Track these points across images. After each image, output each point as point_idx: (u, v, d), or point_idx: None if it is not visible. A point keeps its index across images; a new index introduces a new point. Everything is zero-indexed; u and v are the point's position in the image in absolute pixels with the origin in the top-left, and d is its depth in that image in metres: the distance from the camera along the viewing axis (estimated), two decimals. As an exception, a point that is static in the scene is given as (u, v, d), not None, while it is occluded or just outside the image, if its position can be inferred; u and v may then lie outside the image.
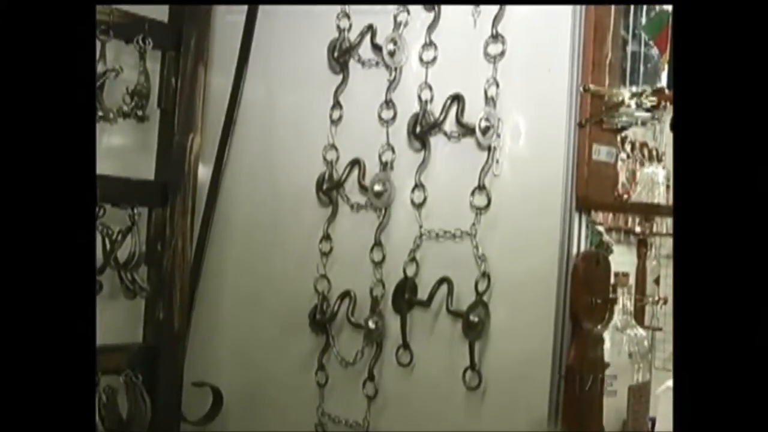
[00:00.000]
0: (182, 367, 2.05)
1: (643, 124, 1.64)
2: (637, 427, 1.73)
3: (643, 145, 2.98)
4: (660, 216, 1.96)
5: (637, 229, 3.30)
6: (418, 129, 1.82)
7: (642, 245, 3.44)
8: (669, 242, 3.45)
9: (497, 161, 1.72)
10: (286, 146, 2.11)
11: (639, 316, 3.16)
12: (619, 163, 2.65)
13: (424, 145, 1.83)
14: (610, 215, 3.06)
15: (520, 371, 1.68)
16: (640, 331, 1.83)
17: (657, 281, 3.62)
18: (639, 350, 1.77)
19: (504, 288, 1.70)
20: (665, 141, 2.80)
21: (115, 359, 1.94)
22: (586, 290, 1.64)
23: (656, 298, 3.46)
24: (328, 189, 1.98)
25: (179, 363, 2.03)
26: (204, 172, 2.13)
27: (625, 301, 1.75)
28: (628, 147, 2.94)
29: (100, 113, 1.85)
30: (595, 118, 1.63)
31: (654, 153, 2.80)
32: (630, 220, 3.24)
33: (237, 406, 2.15)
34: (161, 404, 1.99)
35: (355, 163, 1.94)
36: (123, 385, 1.95)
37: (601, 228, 1.72)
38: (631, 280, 1.79)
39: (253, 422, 2.13)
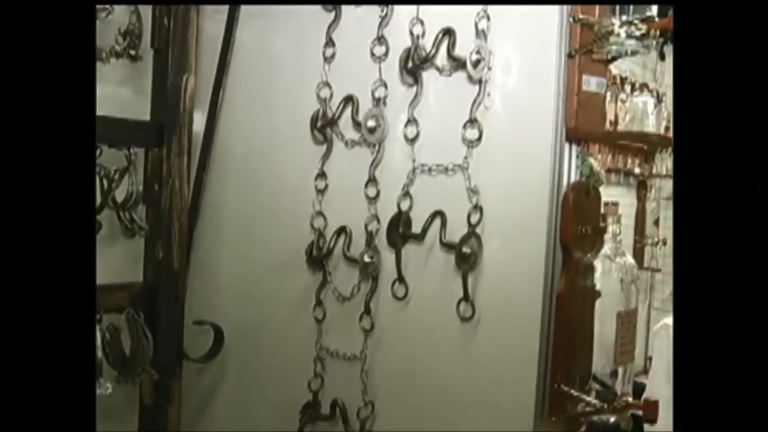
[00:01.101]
0: (183, 305, 2.08)
1: (633, 53, 1.64)
2: (625, 351, 1.76)
3: (643, 85, 2.97)
4: (649, 144, 1.96)
5: (637, 170, 3.31)
6: (410, 64, 1.83)
7: (642, 187, 3.46)
8: (668, 184, 3.46)
9: (488, 94, 1.72)
10: (280, 85, 2.12)
11: (638, 257, 3.19)
12: (619, 103, 2.66)
13: (417, 80, 1.83)
14: (609, 156, 3.07)
15: (512, 301, 1.71)
16: (629, 259, 1.85)
17: (656, 223, 3.64)
18: (628, 277, 1.80)
19: (496, 219, 1.72)
20: (666, 82, 2.79)
21: (117, 298, 1.97)
22: (576, 220, 1.66)
23: (655, 240, 3.48)
24: (323, 126, 1.99)
25: (179, 301, 2.07)
26: (199, 113, 2.14)
27: (614, 229, 1.77)
28: (628, 88, 2.93)
29: (93, 53, 1.85)
30: (585, 48, 1.63)
31: (655, 93, 2.79)
32: (629, 161, 3.25)
33: (237, 343, 2.20)
34: (163, 341, 2.02)
35: (349, 99, 1.95)
36: (125, 323, 1.98)
37: (591, 159, 1.73)
38: (621, 210, 1.80)
39: (253, 358, 2.19)
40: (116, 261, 2.06)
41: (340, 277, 2.00)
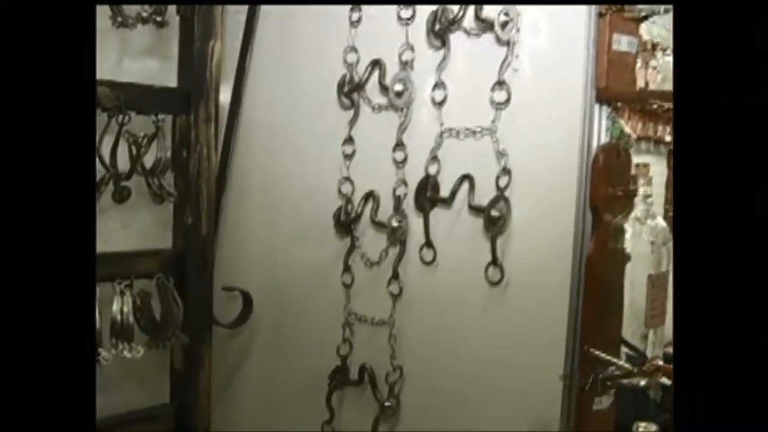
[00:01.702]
0: (212, 270, 2.10)
1: (666, 11, 1.60)
2: (655, 314, 1.75)
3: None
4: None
5: (668, 138, 3.26)
6: (437, 27, 1.81)
7: (672, 155, 3.40)
8: (699, 152, 3.39)
9: (517, 56, 1.70)
10: (306, 50, 2.11)
11: (669, 225, 3.16)
12: (650, 69, 2.61)
13: (444, 42, 1.81)
14: (640, 123, 3.02)
15: (541, 264, 1.70)
16: (661, 221, 1.83)
17: (687, 191, 3.57)
18: (659, 240, 1.78)
19: (525, 182, 1.70)
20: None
21: (147, 263, 1.99)
22: (606, 182, 1.64)
23: (686, 208, 3.41)
24: (349, 91, 1.98)
25: (208, 267, 2.08)
26: (226, 79, 2.14)
27: (645, 191, 1.75)
28: (659, 53, 2.88)
29: (119, 19, 1.85)
30: (616, 6, 1.60)
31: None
32: (660, 129, 3.20)
33: (266, 308, 2.21)
34: (193, 307, 2.04)
35: (375, 63, 1.94)
36: (156, 289, 2.00)
37: (621, 121, 1.71)
38: (651, 172, 1.78)
39: (282, 324, 2.20)
40: (145, 227, 2.08)
41: (367, 242, 1.99)
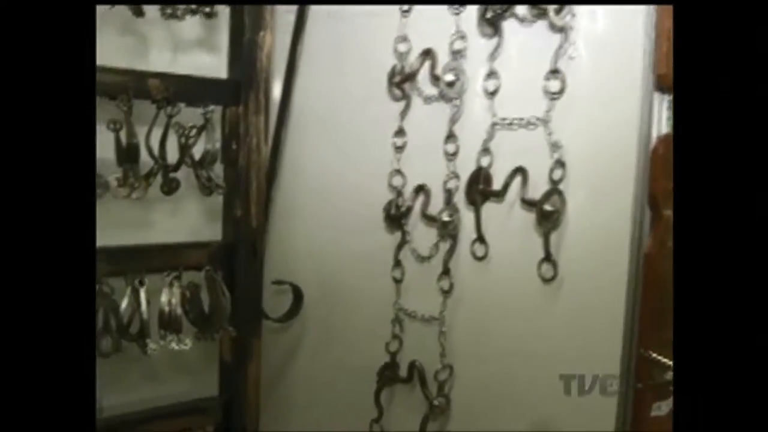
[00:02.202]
0: (261, 263, 2.08)
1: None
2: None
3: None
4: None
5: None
6: (489, 14, 1.74)
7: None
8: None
9: (572, 43, 1.63)
10: (356, 41, 2.07)
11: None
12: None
13: (496, 30, 1.75)
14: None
15: (596, 261, 1.62)
16: (725, 217, 1.73)
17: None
18: (723, 236, 1.68)
19: (580, 175, 1.63)
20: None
21: (196, 256, 1.98)
22: (666, 175, 1.55)
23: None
24: (401, 82, 1.93)
25: (258, 259, 2.06)
26: (277, 70, 2.12)
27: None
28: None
29: (168, 10, 1.85)
30: (677, -12, 1.51)
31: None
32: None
33: (315, 302, 2.19)
34: (242, 300, 2.03)
35: (427, 53, 1.88)
36: (204, 281, 1.99)
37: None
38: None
39: (332, 318, 2.18)
40: (194, 219, 2.08)
41: (418, 237, 1.94)
